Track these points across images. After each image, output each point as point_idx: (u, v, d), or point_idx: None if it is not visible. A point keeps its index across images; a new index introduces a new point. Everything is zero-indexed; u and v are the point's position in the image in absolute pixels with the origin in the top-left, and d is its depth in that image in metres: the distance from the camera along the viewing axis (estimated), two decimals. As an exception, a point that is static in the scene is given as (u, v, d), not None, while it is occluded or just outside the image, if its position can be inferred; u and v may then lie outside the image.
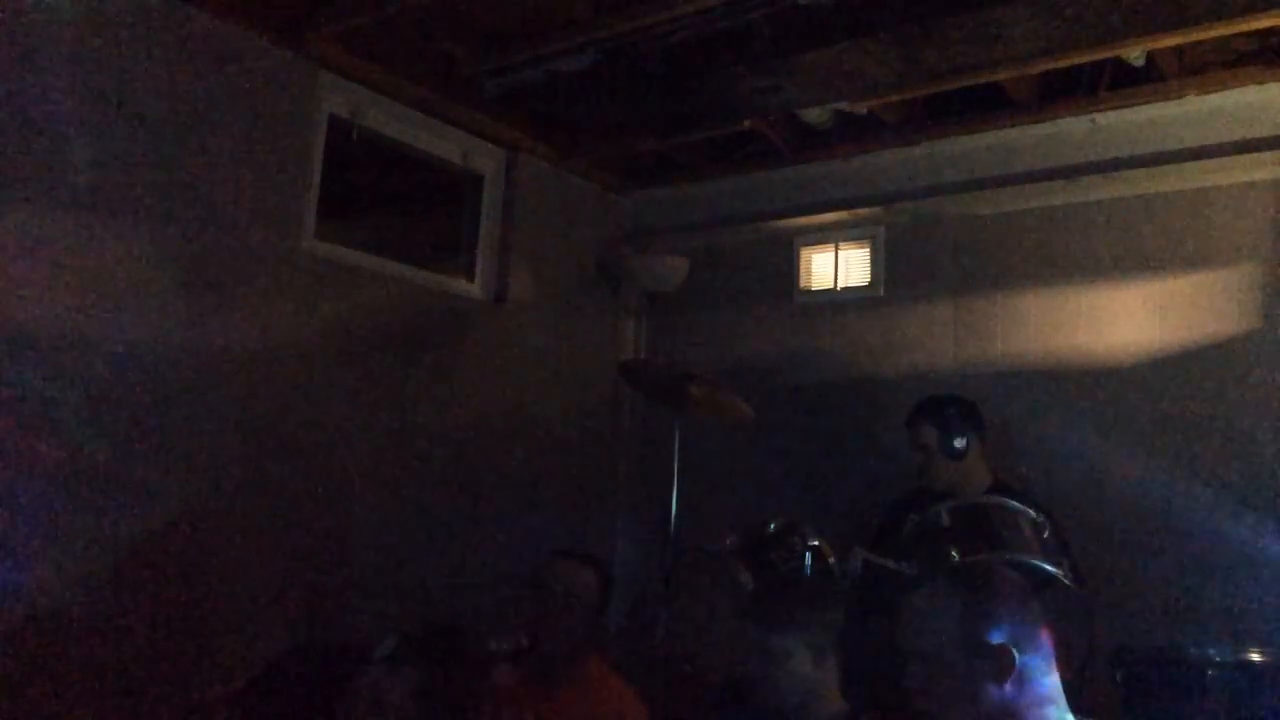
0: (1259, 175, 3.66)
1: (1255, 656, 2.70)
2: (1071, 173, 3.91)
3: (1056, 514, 2.98)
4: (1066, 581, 2.68)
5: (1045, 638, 1.73)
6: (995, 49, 3.28)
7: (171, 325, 3.26)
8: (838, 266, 4.61)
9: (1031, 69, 3.58)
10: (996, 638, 1.68)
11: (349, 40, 3.69)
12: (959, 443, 3.34)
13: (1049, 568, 2.69)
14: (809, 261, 4.72)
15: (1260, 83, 3.59)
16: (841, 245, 4.61)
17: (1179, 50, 3.55)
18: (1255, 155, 3.59)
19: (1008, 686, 1.66)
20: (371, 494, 3.81)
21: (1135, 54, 3.47)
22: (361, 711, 2.18)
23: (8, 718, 2.79)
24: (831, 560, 3.05)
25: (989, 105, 3.98)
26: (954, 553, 2.74)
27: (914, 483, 3.52)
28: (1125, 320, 3.84)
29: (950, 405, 3.40)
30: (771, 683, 2.37)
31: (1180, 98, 3.72)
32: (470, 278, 4.49)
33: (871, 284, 4.49)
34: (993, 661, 1.67)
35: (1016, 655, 1.67)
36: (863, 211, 4.46)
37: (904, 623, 1.81)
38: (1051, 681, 1.72)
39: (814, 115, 4.09)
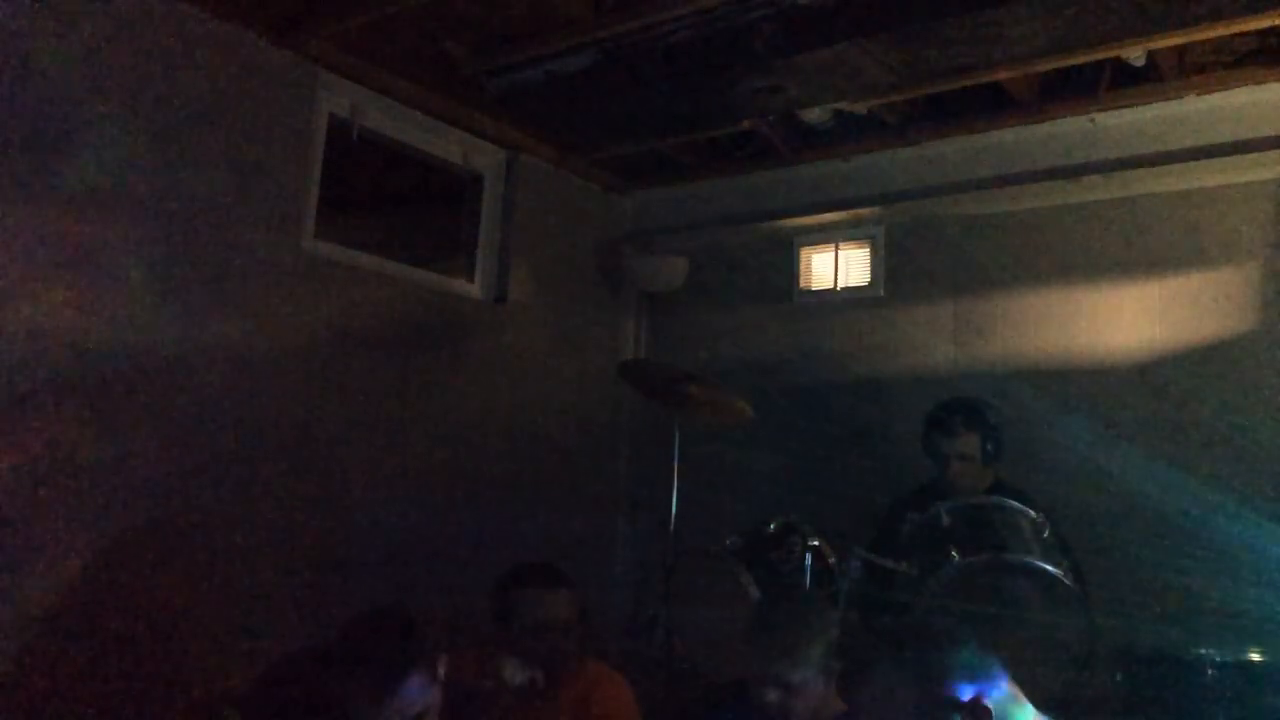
0: (1259, 175, 3.66)
1: (1255, 656, 2.70)
2: (1071, 173, 3.91)
3: (1056, 514, 2.98)
4: (1066, 581, 2.68)
5: (1001, 670, 1.72)
6: (995, 49, 3.28)
7: (171, 325, 3.25)
8: (838, 266, 4.61)
9: (1031, 69, 3.58)
10: (965, 692, 1.67)
11: (349, 40, 3.68)
12: (995, 448, 3.34)
13: (1049, 568, 2.69)
14: (809, 261, 4.72)
15: (1260, 83, 3.59)
16: (841, 245, 4.61)
17: (1179, 50, 3.55)
18: (1255, 155, 3.59)
19: None
20: (371, 494, 3.81)
21: (1135, 54, 3.47)
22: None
23: (7, 719, 2.79)
24: (831, 560, 3.05)
25: (989, 105, 3.98)
26: (954, 553, 2.75)
27: (913, 482, 3.52)
28: (1125, 320, 3.84)
29: (988, 411, 3.38)
30: (786, 711, 2.37)
31: (1180, 98, 3.72)
32: (470, 278, 4.48)
33: (871, 284, 4.49)
34: (970, 717, 1.66)
35: (991, 706, 1.66)
36: (863, 211, 4.46)
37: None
38: (1027, 710, 1.71)
39: (814, 115, 4.09)
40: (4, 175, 2.90)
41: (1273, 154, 3.56)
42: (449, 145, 4.38)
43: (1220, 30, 3.19)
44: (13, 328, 2.89)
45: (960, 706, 1.66)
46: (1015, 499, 2.95)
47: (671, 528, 3.61)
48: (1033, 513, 2.87)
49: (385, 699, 2.09)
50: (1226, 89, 3.64)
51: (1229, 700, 2.63)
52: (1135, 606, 3.34)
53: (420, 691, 2.14)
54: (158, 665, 3.10)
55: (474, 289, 4.48)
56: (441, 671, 2.22)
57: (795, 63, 3.45)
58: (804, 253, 4.72)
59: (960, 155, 4.18)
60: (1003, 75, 3.61)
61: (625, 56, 3.62)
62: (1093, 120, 3.90)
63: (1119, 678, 2.75)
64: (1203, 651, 2.70)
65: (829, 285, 4.62)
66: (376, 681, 2.10)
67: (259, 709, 2.22)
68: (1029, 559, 2.72)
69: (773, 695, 2.39)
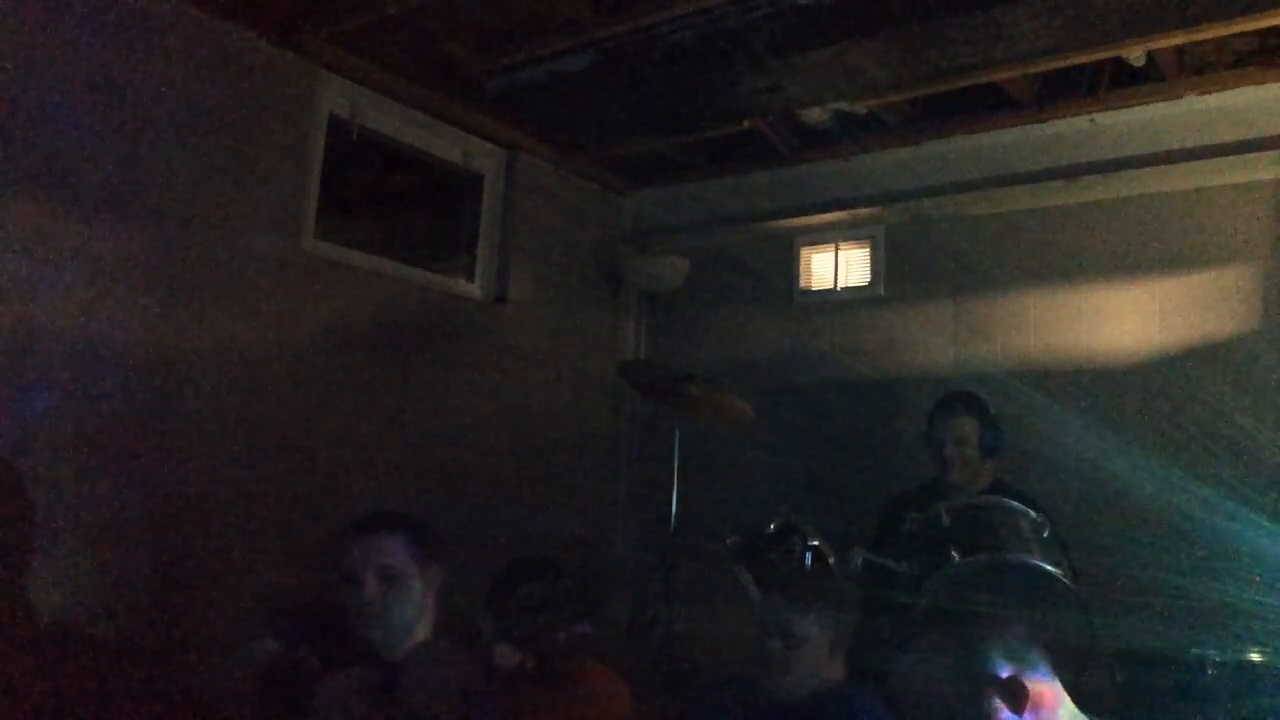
0: (1259, 175, 3.66)
1: (1255, 656, 2.70)
2: (1071, 173, 3.91)
3: (1056, 514, 2.97)
4: (1065, 581, 2.68)
5: (1041, 653, 1.72)
6: (995, 49, 3.28)
7: (171, 325, 3.25)
8: (838, 266, 4.61)
9: (1031, 69, 3.58)
10: (1004, 670, 1.68)
11: (349, 40, 3.68)
12: (995, 440, 3.34)
13: (1048, 568, 2.69)
14: (809, 261, 4.72)
15: (1260, 83, 3.59)
16: (841, 245, 4.61)
17: (1179, 50, 3.55)
18: (1255, 155, 3.59)
19: (1026, 715, 1.65)
20: (371, 493, 3.81)
21: (1135, 54, 3.47)
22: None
23: (8, 718, 2.79)
24: (831, 560, 3.06)
25: (989, 105, 3.98)
26: (954, 552, 2.75)
27: (913, 480, 3.52)
28: (1125, 320, 3.84)
29: (987, 404, 3.39)
30: (785, 664, 2.39)
31: (1180, 98, 3.72)
32: (470, 278, 4.48)
33: (871, 284, 4.49)
34: (1007, 695, 1.66)
35: (1028, 684, 1.66)
36: (863, 211, 4.46)
37: (902, 690, 1.80)
38: (1060, 693, 1.71)
39: (814, 115, 4.09)
40: (4, 175, 2.90)
41: (1273, 154, 3.57)
42: (449, 145, 4.38)
43: (1220, 30, 3.19)
44: (13, 328, 2.89)
45: (998, 684, 1.66)
46: (1015, 499, 2.95)
47: (671, 528, 3.61)
48: (1033, 513, 2.87)
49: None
50: (1226, 89, 3.64)
51: (1229, 700, 2.63)
52: (1135, 606, 3.34)
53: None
54: (158, 665, 3.10)
55: (474, 289, 4.48)
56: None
57: (795, 63, 3.45)
58: (804, 253, 4.72)
59: (960, 155, 4.18)
60: (1003, 75, 3.61)
61: (625, 56, 3.62)
62: (1093, 120, 3.90)
63: (1119, 678, 2.75)
64: (1203, 651, 2.69)
65: (829, 285, 4.62)
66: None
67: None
68: (1029, 559, 2.72)
69: (775, 643, 2.42)
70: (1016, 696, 1.65)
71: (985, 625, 1.76)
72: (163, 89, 3.27)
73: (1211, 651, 2.69)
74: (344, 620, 2.27)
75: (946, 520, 2.88)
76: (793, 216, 4.62)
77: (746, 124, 4.17)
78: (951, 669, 1.71)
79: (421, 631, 2.32)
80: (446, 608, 2.45)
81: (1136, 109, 3.81)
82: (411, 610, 2.28)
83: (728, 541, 3.15)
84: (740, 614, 2.92)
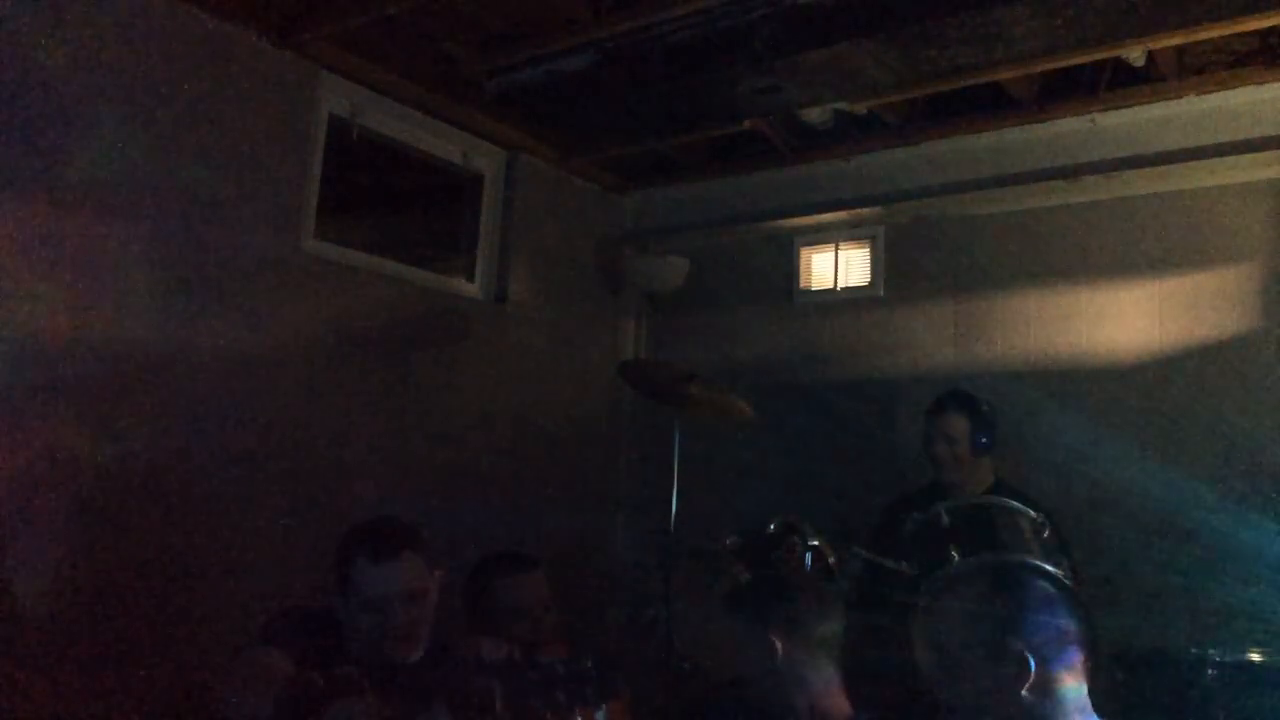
0: (1259, 175, 3.66)
1: (1255, 656, 2.70)
2: (1071, 173, 3.92)
3: (1056, 514, 2.98)
4: (1066, 581, 2.68)
5: (1074, 649, 1.71)
6: (995, 49, 3.28)
7: (171, 325, 3.25)
8: (838, 266, 4.62)
9: (1031, 69, 3.58)
10: (1015, 645, 1.68)
11: (349, 40, 3.68)
12: (987, 439, 3.34)
13: (1048, 568, 2.69)
14: (809, 261, 4.72)
15: (1260, 83, 3.59)
16: (841, 245, 4.61)
17: (1179, 50, 3.55)
18: (1255, 155, 3.59)
19: (1026, 693, 1.65)
20: (371, 494, 3.81)
21: (1135, 54, 3.47)
22: (235, 690, 2.09)
23: (7, 717, 2.79)
24: (831, 560, 3.06)
25: (989, 105, 3.98)
26: (954, 552, 2.75)
27: (914, 480, 3.52)
28: (1125, 320, 3.84)
29: (980, 402, 3.40)
30: (761, 680, 2.39)
31: (1180, 98, 3.72)
32: (470, 278, 4.49)
33: (871, 284, 4.50)
34: (1011, 668, 1.66)
35: (1033, 662, 1.65)
36: (863, 211, 4.46)
37: (924, 618, 1.80)
38: (1077, 692, 1.70)
39: (814, 115, 4.09)
40: (4, 175, 2.90)
41: (1273, 154, 3.57)
42: (449, 145, 4.38)
43: (1220, 30, 3.19)
44: (12, 328, 2.89)
45: (1007, 655, 1.65)
46: (1016, 499, 2.96)
47: (671, 528, 3.61)
48: (1032, 512, 2.87)
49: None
50: (1226, 89, 3.64)
51: (1229, 700, 2.63)
52: (1135, 606, 3.34)
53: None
54: (157, 666, 3.09)
55: (474, 289, 4.48)
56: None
57: (795, 63, 3.45)
58: (804, 253, 4.72)
59: (960, 155, 4.18)
60: (1003, 75, 3.61)
61: (625, 56, 3.62)
62: (1093, 120, 3.90)
63: (1119, 678, 2.75)
64: (1203, 651, 2.70)
65: (829, 285, 4.62)
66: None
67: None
68: (1029, 559, 2.72)
69: (748, 663, 2.39)
70: (1019, 672, 1.64)
71: (1026, 599, 1.74)
72: (162, 89, 3.27)
73: (1211, 651, 2.69)
74: (367, 641, 2.23)
75: (946, 520, 2.88)
76: (793, 216, 4.62)
77: (746, 124, 4.17)
78: (973, 622, 1.71)
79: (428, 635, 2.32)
80: (446, 608, 2.44)
81: (1136, 109, 3.81)
82: (429, 620, 2.29)
83: (728, 541, 3.15)
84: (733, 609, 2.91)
